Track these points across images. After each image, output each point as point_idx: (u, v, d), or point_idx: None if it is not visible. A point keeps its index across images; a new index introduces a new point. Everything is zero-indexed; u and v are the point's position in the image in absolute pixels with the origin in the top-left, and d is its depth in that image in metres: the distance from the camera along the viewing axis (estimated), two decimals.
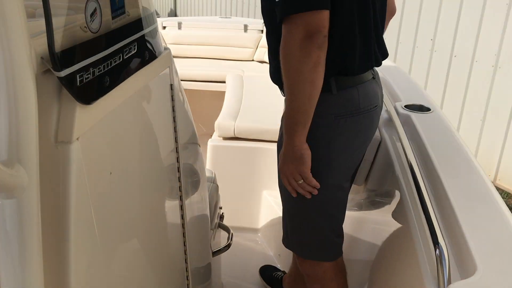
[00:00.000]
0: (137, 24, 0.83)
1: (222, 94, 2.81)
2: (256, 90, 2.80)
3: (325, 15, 1.17)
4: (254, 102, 2.59)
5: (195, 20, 4.13)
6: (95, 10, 0.66)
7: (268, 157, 2.19)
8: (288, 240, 1.52)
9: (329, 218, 1.43)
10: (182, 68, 3.15)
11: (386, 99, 1.73)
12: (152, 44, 0.91)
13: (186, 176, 1.17)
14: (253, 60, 3.73)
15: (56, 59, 0.60)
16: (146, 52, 0.87)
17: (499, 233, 1.02)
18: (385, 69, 2.08)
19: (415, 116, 1.54)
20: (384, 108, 1.71)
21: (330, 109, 1.32)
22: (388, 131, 1.60)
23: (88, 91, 0.67)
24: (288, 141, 1.29)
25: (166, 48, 1.02)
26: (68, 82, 0.62)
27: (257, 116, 2.36)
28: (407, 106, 1.63)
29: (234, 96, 2.67)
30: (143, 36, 0.86)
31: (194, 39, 3.66)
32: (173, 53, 1.07)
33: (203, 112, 2.98)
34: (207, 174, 1.65)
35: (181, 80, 1.23)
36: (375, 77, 1.43)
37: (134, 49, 0.80)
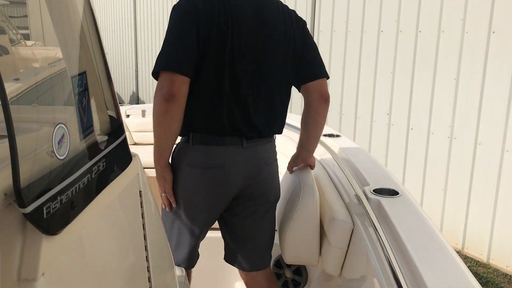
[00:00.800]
0: (106, 139, 0.81)
1: None
2: None
3: (177, 77, 1.52)
4: None
5: None
6: (63, 136, 0.64)
7: None
8: None
9: (178, 233, 1.79)
10: (146, 155, 3.12)
11: (354, 183, 1.75)
12: (121, 155, 0.89)
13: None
14: None
15: (22, 195, 0.56)
16: (115, 166, 0.84)
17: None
18: (348, 150, 2.12)
19: (385, 202, 1.54)
20: (353, 193, 1.72)
21: (186, 159, 1.67)
22: (360, 217, 1.59)
23: (55, 221, 0.63)
24: (155, 164, 1.68)
25: (134, 155, 1.00)
26: (34, 217, 0.58)
27: None
28: (375, 191, 1.64)
29: None
30: (112, 149, 0.83)
31: None
32: (137, 140, 1.07)
33: None
34: (178, 273, 1.57)
35: (145, 168, 1.26)
36: (245, 145, 1.67)
37: (103, 166, 0.77)
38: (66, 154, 0.65)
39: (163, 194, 1.74)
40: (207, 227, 1.81)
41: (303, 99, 1.84)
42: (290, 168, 1.96)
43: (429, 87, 3.89)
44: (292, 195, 1.80)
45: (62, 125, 0.64)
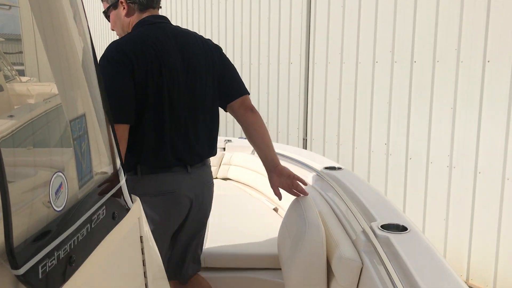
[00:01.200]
0: (105, 185, 0.76)
1: None
2: (222, 211, 2.72)
3: (119, 126, 1.65)
4: (222, 225, 2.50)
5: None
6: (61, 185, 0.58)
7: (244, 285, 2.05)
8: None
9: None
10: None
11: (360, 219, 1.69)
12: (121, 200, 0.83)
13: None
14: (216, 178, 3.68)
15: (15, 254, 0.50)
16: (115, 213, 0.79)
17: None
18: (351, 184, 2.07)
19: (394, 238, 1.48)
20: (360, 229, 1.66)
21: (138, 189, 1.71)
22: (369, 255, 1.52)
23: (52, 280, 0.57)
24: None
25: (134, 199, 0.94)
26: (28, 278, 0.52)
27: (227, 241, 2.25)
28: (383, 226, 1.58)
29: None
30: (112, 195, 0.78)
31: None
32: None
33: None
34: None
35: None
36: (189, 171, 1.84)
37: (103, 214, 0.72)
38: (64, 205, 0.59)
39: None
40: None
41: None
42: (278, 194, 2.02)
43: (426, 116, 3.88)
44: (297, 233, 1.74)
45: (60, 174, 0.58)
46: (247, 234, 2.34)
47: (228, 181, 3.64)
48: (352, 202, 1.84)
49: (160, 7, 1.98)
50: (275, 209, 2.91)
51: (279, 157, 3.20)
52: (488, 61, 3.42)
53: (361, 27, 4.39)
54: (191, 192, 1.87)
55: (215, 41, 6.58)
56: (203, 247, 2.15)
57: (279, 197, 1.99)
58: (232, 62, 2.03)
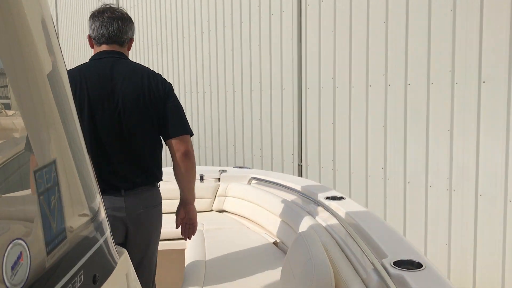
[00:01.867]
0: (84, 244, 0.64)
1: (181, 252, 2.58)
2: (219, 246, 2.60)
3: None
4: (220, 262, 2.37)
5: None
6: (20, 256, 0.47)
7: None
8: None
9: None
10: None
11: (370, 255, 1.57)
12: (104, 258, 0.72)
13: None
14: (212, 210, 3.55)
15: None
16: (96, 276, 0.67)
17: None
18: (356, 215, 1.96)
19: (409, 277, 1.37)
20: (370, 267, 1.54)
21: None
22: None
23: None
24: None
25: (121, 252, 0.83)
26: None
27: (225, 281, 2.12)
28: (396, 263, 1.46)
29: (196, 256, 2.44)
30: (92, 255, 0.66)
31: None
32: None
33: (162, 279, 2.70)
34: None
35: None
36: (123, 194, 2.01)
37: (80, 280, 0.60)
38: (24, 281, 0.48)
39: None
40: None
41: None
42: (177, 222, 2.29)
43: (423, 139, 3.81)
44: (303, 272, 1.62)
45: (20, 241, 0.47)
46: (247, 272, 2.21)
47: (224, 213, 3.50)
48: (359, 235, 1.73)
49: (129, 39, 2.20)
50: (275, 243, 2.79)
51: (276, 187, 3.07)
52: (484, 82, 3.37)
53: (353, 50, 4.35)
54: (124, 215, 2.00)
55: (206, 68, 6.50)
56: None
57: (177, 226, 2.30)
58: (179, 102, 2.18)
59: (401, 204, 4.02)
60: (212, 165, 6.73)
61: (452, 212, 3.65)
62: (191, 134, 2.14)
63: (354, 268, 1.64)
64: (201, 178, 3.51)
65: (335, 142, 4.62)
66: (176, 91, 7.86)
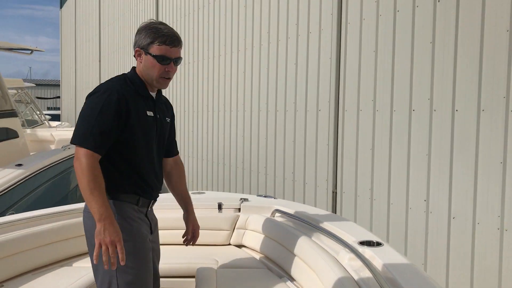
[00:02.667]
0: None
1: None
2: None
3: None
4: None
5: (162, 201, 3.61)
6: None
7: None
8: None
9: None
10: None
11: None
12: None
13: None
14: (229, 244, 3.24)
15: None
16: None
17: None
18: (395, 268, 1.64)
19: None
20: None
21: None
22: None
23: None
24: None
25: None
26: None
27: None
28: None
29: None
30: None
31: (160, 223, 3.20)
32: None
33: None
34: None
35: None
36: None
37: None
38: None
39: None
40: None
41: None
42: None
43: (471, 171, 3.45)
44: None
45: None
46: None
47: (242, 248, 3.16)
48: None
49: None
50: None
51: (303, 224, 2.76)
52: None
53: (396, 71, 4.05)
54: None
55: (240, 86, 6.34)
56: None
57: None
58: (85, 108, 2.05)
59: (444, 242, 3.65)
60: (242, 188, 6.49)
61: (504, 254, 3.26)
62: (80, 145, 1.95)
63: None
64: (219, 207, 3.19)
65: (373, 169, 4.30)
66: (209, 109, 7.70)
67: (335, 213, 4.75)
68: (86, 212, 2.06)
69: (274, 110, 5.78)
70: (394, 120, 4.08)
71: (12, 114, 5.47)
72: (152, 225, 2.24)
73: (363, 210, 4.41)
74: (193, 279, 2.52)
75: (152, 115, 2.15)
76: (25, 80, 14.31)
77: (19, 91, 10.32)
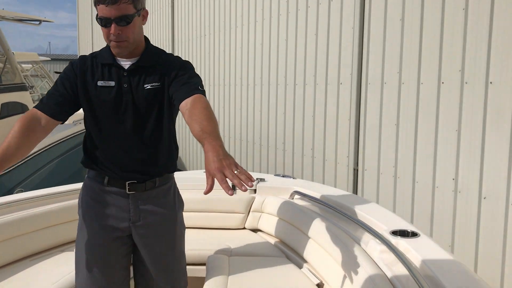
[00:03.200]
0: None
1: (201, 281, 2.15)
2: (248, 279, 2.11)
3: None
4: None
5: None
6: None
7: None
8: None
9: None
10: None
11: None
12: None
13: None
14: (244, 228, 3.00)
15: None
16: None
17: None
18: (435, 264, 1.41)
19: None
20: None
21: None
22: None
23: None
24: (220, 143, 1.56)
25: None
26: None
27: None
28: None
29: None
30: None
31: None
32: None
33: None
34: None
35: None
36: None
37: None
38: None
39: (235, 171, 1.49)
40: None
41: None
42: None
43: (506, 148, 3.20)
44: None
45: None
46: None
47: (258, 233, 2.93)
48: None
49: None
50: (319, 285, 2.18)
51: (326, 209, 2.47)
52: None
53: (424, 41, 3.77)
54: None
55: (258, 59, 6.05)
56: None
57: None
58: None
59: (474, 223, 3.43)
60: (260, 165, 6.30)
61: None
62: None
63: None
64: (233, 188, 2.95)
65: (397, 146, 4.07)
66: (225, 83, 7.46)
67: (356, 191, 4.55)
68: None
69: (293, 84, 5.53)
70: (421, 93, 3.82)
71: (22, 88, 5.34)
72: (142, 215, 1.97)
73: (386, 188, 4.19)
74: (204, 267, 2.34)
75: (112, 85, 1.89)
76: (43, 55, 14.27)
77: (34, 65, 10.23)
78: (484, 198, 3.37)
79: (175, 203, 2.07)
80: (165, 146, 1.99)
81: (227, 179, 1.51)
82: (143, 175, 1.95)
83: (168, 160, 2.02)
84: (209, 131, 1.60)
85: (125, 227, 1.96)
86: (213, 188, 1.86)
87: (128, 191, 1.94)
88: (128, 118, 1.91)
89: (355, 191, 4.58)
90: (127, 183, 1.93)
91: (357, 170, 4.58)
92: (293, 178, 3.25)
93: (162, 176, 2.01)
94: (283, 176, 3.27)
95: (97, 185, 1.97)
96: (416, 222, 3.90)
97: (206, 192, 1.48)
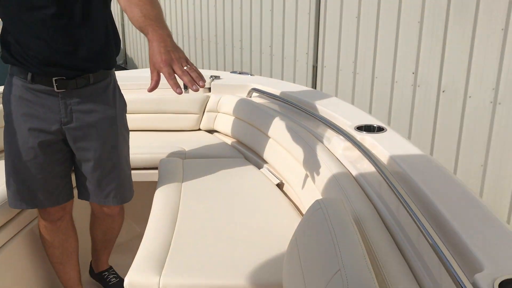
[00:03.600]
0: None
1: (153, 186, 2.02)
2: (203, 182, 1.98)
3: None
4: (191, 216, 1.68)
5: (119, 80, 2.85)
6: None
7: None
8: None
9: None
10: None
11: (433, 234, 0.97)
12: None
13: None
14: (199, 129, 2.81)
15: None
16: None
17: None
18: (406, 160, 1.31)
19: None
20: (434, 261, 0.96)
21: None
22: None
23: None
24: (167, 32, 1.36)
25: None
26: None
27: (195, 254, 1.43)
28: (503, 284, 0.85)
29: (164, 211, 1.74)
30: None
31: None
32: None
33: (132, 206, 2.19)
34: None
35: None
36: None
37: None
38: None
39: (184, 67, 1.30)
40: None
41: None
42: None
43: (467, 40, 3.12)
44: (322, 272, 0.94)
45: None
46: (230, 238, 1.52)
47: (214, 134, 2.75)
48: (412, 195, 1.11)
49: None
50: (280, 185, 2.08)
51: (285, 106, 2.34)
52: None
53: None
54: None
55: None
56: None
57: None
58: None
59: (431, 117, 3.44)
60: (216, 63, 6.06)
61: (494, 129, 3.08)
62: None
63: (407, 263, 1.03)
64: (185, 86, 2.71)
65: (358, 40, 3.93)
66: None
67: (315, 88, 4.46)
68: None
69: None
70: None
71: None
72: (74, 115, 1.74)
73: (345, 85, 4.11)
74: (156, 171, 2.21)
75: None
76: None
77: None
78: (443, 91, 3.34)
79: (116, 102, 1.84)
80: (97, 35, 1.70)
81: (175, 75, 1.29)
82: (72, 70, 1.70)
83: (101, 53, 1.74)
84: (154, 17, 1.36)
85: (57, 129, 1.74)
86: (163, 87, 1.68)
87: (57, 88, 1.69)
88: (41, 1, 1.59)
89: (313, 88, 4.49)
90: (53, 79, 1.68)
91: (316, 67, 4.45)
92: (251, 75, 3.06)
93: (96, 72, 1.75)
94: (240, 73, 3.06)
95: (21, 82, 1.72)
96: (374, 117, 3.89)
97: (151, 90, 1.29)
